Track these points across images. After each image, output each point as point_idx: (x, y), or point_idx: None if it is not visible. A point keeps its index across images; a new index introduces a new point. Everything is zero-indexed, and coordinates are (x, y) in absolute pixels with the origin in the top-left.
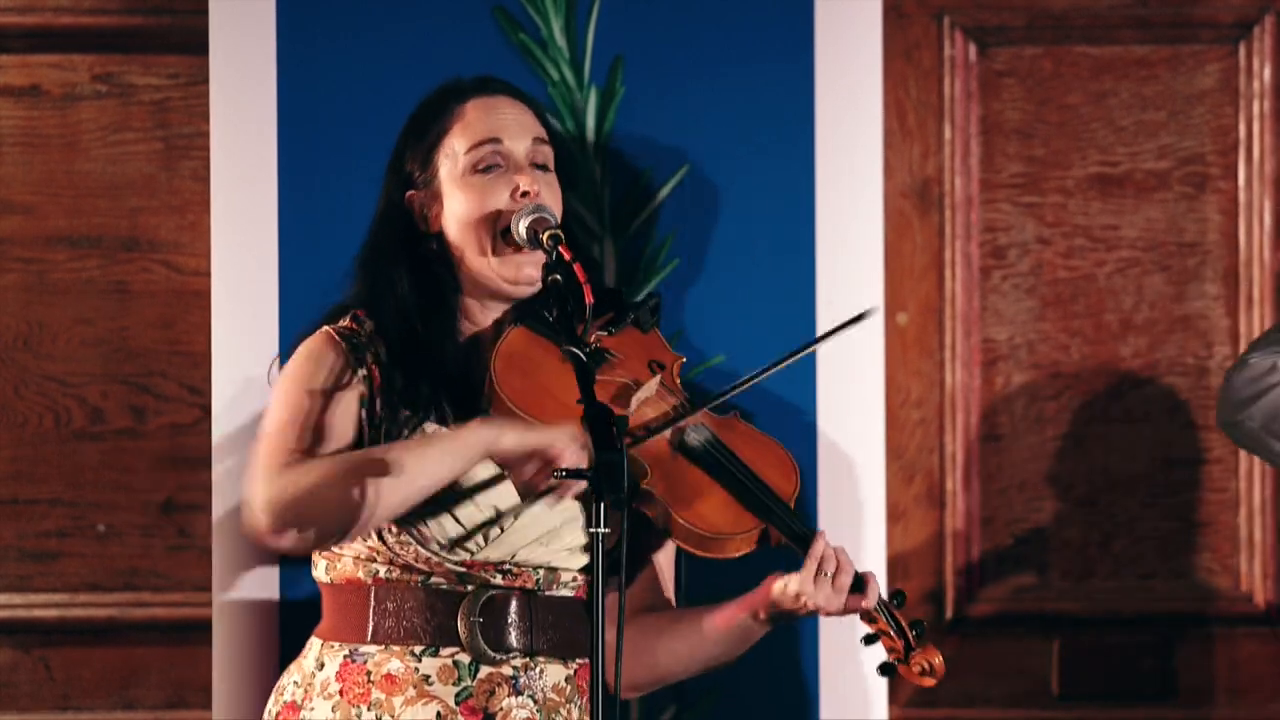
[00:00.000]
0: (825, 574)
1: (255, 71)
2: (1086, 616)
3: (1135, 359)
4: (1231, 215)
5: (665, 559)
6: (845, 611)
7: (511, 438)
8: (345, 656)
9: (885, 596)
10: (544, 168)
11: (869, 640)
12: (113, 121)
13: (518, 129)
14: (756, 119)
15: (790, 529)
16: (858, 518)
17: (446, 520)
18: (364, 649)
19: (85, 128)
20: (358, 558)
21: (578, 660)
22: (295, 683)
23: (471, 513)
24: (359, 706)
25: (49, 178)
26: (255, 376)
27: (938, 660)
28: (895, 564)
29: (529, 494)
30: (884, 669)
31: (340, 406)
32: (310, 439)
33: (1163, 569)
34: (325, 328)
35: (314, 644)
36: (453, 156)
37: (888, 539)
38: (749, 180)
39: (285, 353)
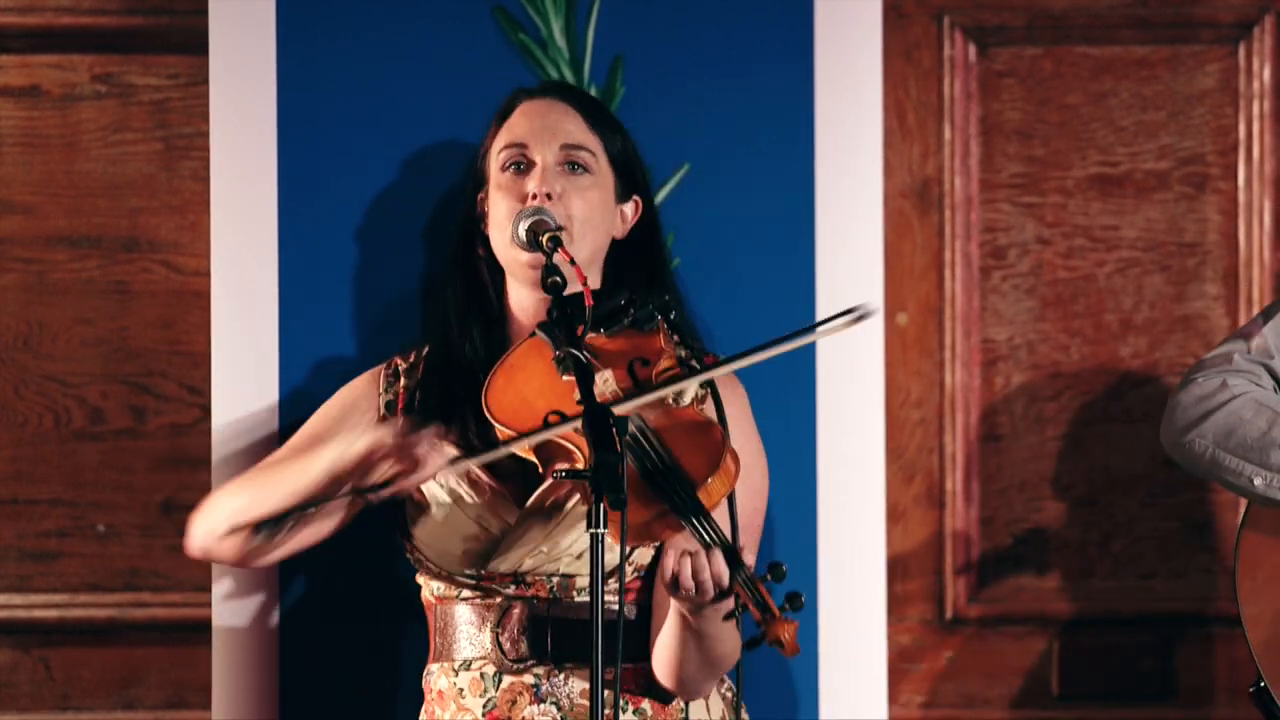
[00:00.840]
0: (681, 583)
1: (255, 72)
2: (1086, 616)
3: (1135, 359)
4: (1231, 215)
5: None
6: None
7: (332, 452)
8: (424, 676)
9: (759, 572)
10: (578, 168)
11: (731, 615)
12: (113, 121)
13: (546, 133)
14: (756, 119)
15: (687, 515)
16: (857, 518)
17: (449, 539)
18: (431, 667)
19: (85, 128)
20: (426, 578)
21: (607, 668)
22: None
23: (469, 528)
24: None
25: (49, 178)
26: (255, 376)
27: (786, 634)
28: (895, 564)
29: (392, 490)
30: (749, 642)
31: (335, 430)
32: (287, 453)
33: (1163, 569)
34: (392, 358)
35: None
36: (493, 156)
37: (887, 539)
38: (749, 180)
39: (285, 353)
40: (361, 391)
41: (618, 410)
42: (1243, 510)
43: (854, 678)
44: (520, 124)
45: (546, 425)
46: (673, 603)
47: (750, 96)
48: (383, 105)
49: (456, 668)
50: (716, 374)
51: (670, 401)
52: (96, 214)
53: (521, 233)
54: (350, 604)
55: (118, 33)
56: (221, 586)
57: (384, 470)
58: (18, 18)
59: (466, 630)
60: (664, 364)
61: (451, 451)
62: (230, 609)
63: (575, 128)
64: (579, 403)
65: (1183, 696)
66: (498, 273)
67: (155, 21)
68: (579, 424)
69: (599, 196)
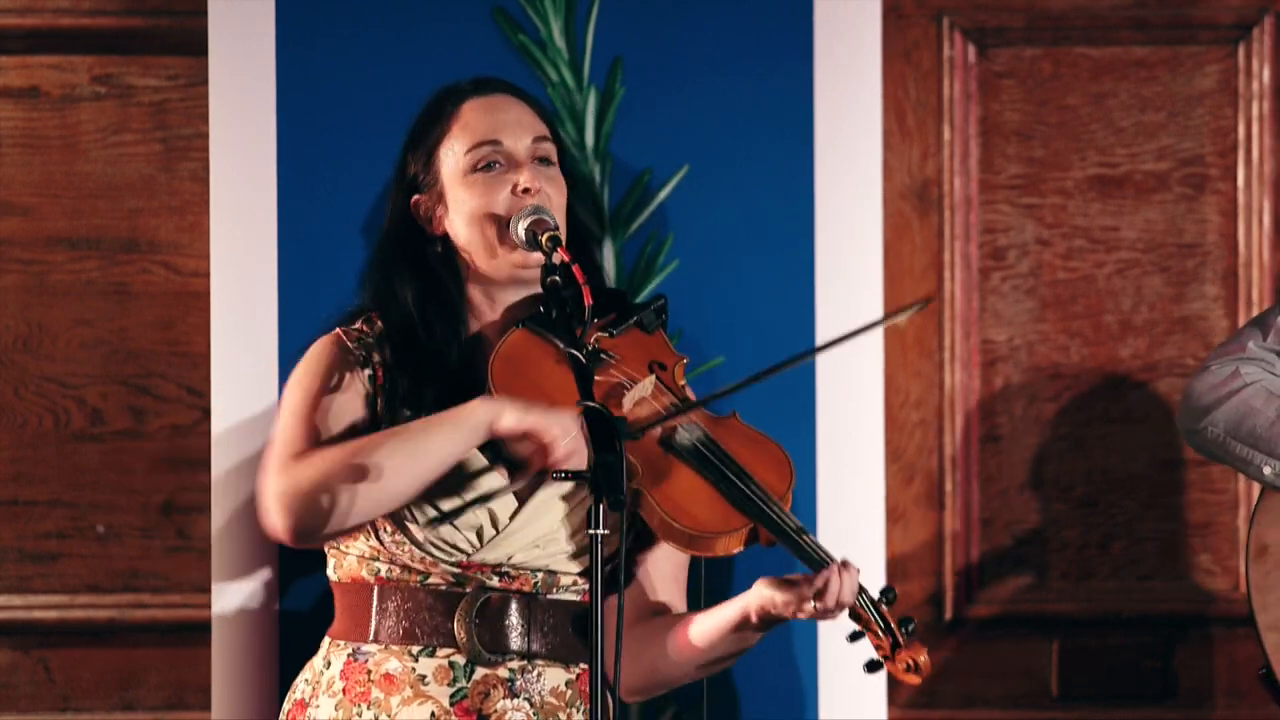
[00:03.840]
0: (825, 605)
1: (254, 72)
2: (1086, 617)
3: (1135, 360)
4: (1231, 216)
5: (669, 563)
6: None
7: (511, 415)
8: (349, 655)
9: (874, 593)
10: (547, 162)
11: (854, 637)
12: (112, 123)
13: (517, 128)
14: (756, 120)
15: (780, 529)
16: (857, 519)
17: (444, 524)
18: (366, 648)
19: (85, 129)
20: (361, 556)
21: (580, 665)
22: (306, 680)
23: (465, 514)
24: (360, 705)
25: (48, 179)
26: (255, 377)
27: (923, 658)
28: (895, 565)
29: (519, 473)
30: (870, 665)
31: (342, 402)
32: (315, 434)
33: (1162, 570)
34: (336, 329)
35: (325, 643)
36: (454, 157)
37: (887, 540)
38: (749, 181)
39: (285, 353)
40: (340, 359)
41: (681, 429)
42: (1256, 495)
43: (854, 678)
44: (483, 121)
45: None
46: (737, 617)
47: (750, 97)
48: (383, 106)
49: (415, 653)
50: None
51: (709, 411)
52: (96, 215)
53: (521, 232)
54: None
55: (117, 34)
56: (221, 587)
57: (522, 447)
58: (17, 18)
59: (426, 616)
60: (679, 367)
61: (583, 449)
62: (230, 609)
63: (534, 120)
64: (579, 402)
65: (1183, 697)
66: (453, 270)
67: (155, 22)
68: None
69: (562, 185)
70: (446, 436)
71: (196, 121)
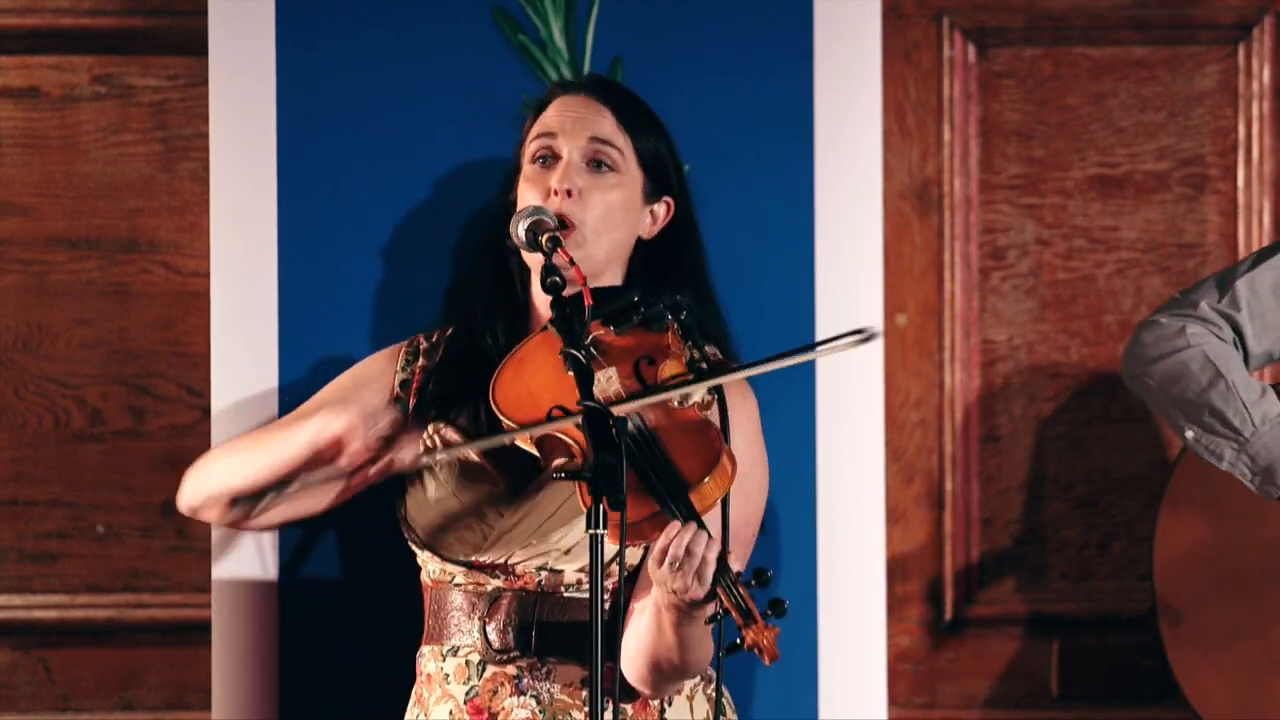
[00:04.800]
0: (673, 565)
1: (254, 73)
2: (1086, 617)
3: None
4: (1231, 216)
5: None
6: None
7: (309, 430)
8: (419, 658)
9: (743, 576)
10: (603, 166)
11: (712, 619)
12: (112, 123)
13: (574, 126)
14: (756, 120)
15: (680, 515)
16: (857, 518)
17: (442, 524)
18: (423, 650)
19: (84, 129)
20: (425, 561)
21: (617, 662)
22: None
23: (464, 517)
24: (416, 707)
25: (48, 179)
26: (255, 377)
27: (765, 641)
28: (894, 565)
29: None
30: (729, 647)
31: (358, 396)
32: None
33: None
34: (416, 335)
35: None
36: (527, 147)
37: (887, 540)
38: (749, 180)
39: (285, 353)
40: (378, 367)
41: (617, 410)
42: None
43: (854, 678)
44: (551, 116)
45: (549, 419)
46: (654, 603)
47: (750, 97)
48: (383, 106)
49: (445, 652)
50: (721, 380)
51: (674, 403)
52: (96, 215)
53: (521, 232)
54: (351, 604)
55: (117, 34)
56: (221, 587)
57: (356, 454)
58: (17, 18)
59: (456, 616)
60: (671, 364)
61: (418, 450)
62: (230, 609)
63: (604, 124)
64: (579, 402)
65: (1183, 697)
66: (524, 266)
67: (155, 22)
68: (579, 420)
69: (621, 196)
70: (283, 437)
71: (196, 121)
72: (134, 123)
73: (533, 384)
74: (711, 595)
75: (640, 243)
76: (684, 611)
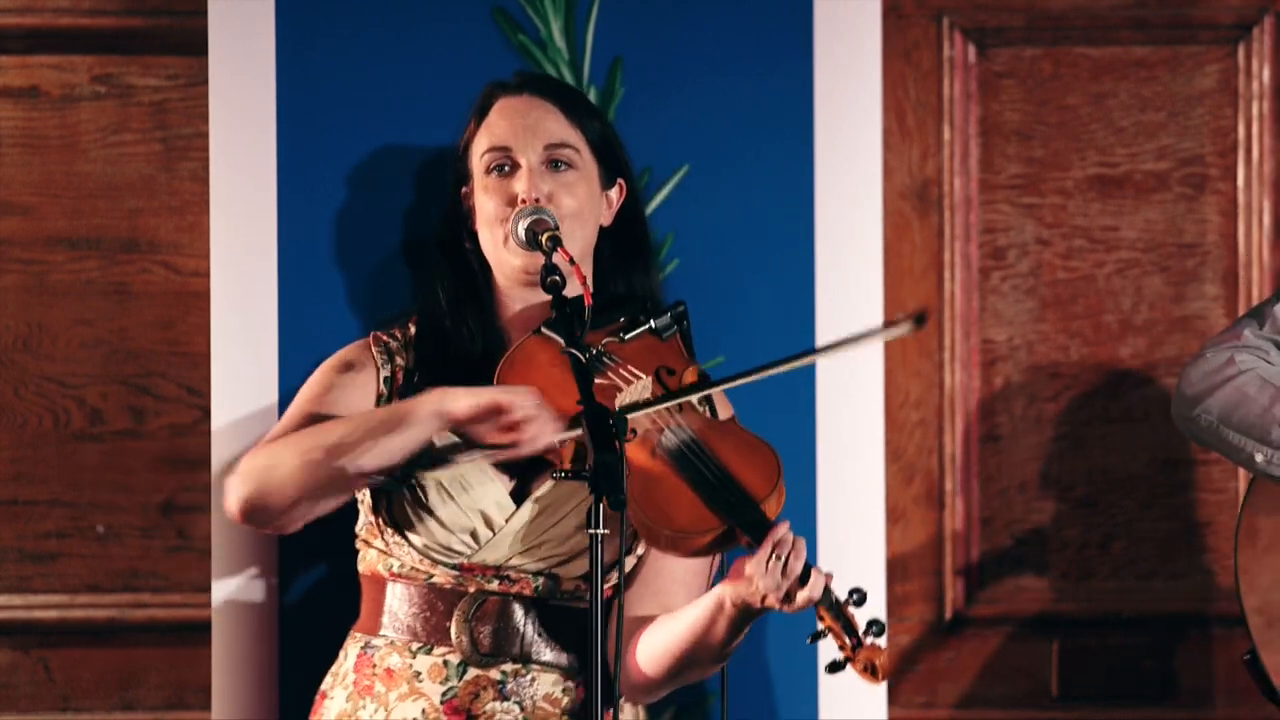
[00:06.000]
0: (779, 557)
1: (254, 72)
2: (1086, 617)
3: (1134, 360)
4: (1231, 216)
5: (681, 567)
6: (792, 601)
7: (464, 399)
8: (361, 648)
9: (841, 594)
10: (562, 166)
11: (817, 636)
12: (112, 122)
13: (528, 135)
14: (756, 119)
15: (755, 530)
16: (857, 519)
17: (431, 523)
18: (375, 642)
19: (84, 129)
20: (380, 551)
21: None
22: (331, 671)
23: (457, 516)
24: (365, 698)
25: (48, 179)
26: (255, 377)
27: (881, 659)
28: (894, 565)
29: (489, 454)
30: (832, 666)
31: (347, 398)
32: (305, 424)
33: (1162, 569)
34: (372, 333)
35: (351, 635)
36: (477, 157)
37: (887, 540)
38: (749, 180)
39: (285, 353)
40: (359, 358)
41: (641, 414)
42: (1246, 484)
43: (854, 678)
44: (500, 125)
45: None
46: (717, 596)
47: (750, 97)
48: (383, 106)
49: (415, 649)
50: (772, 372)
51: (707, 414)
52: (96, 215)
53: (521, 232)
54: (351, 604)
55: (117, 33)
56: (221, 587)
57: (486, 432)
58: (17, 18)
59: (428, 614)
60: (690, 372)
61: (558, 429)
62: (230, 609)
63: (556, 125)
64: (579, 403)
65: (1183, 697)
66: (486, 266)
67: (155, 22)
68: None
69: (585, 190)
70: (398, 431)
71: (196, 121)
72: (134, 123)
73: (537, 382)
74: (819, 612)
75: (602, 231)
76: (751, 613)
